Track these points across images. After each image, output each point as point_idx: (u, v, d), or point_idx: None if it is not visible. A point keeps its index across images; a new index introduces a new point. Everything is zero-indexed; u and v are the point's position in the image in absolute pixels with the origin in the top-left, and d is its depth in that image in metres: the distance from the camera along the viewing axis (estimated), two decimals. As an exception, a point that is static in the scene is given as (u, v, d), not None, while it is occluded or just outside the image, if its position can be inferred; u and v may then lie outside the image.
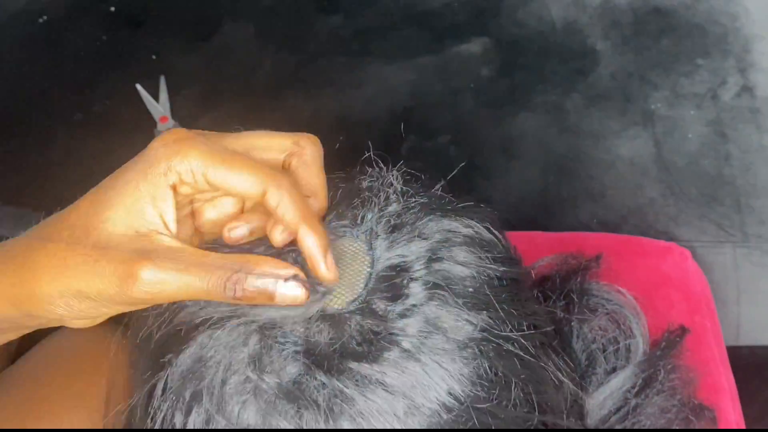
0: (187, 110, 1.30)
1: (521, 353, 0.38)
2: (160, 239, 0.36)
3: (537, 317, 0.41)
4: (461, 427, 0.36)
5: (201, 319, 0.37)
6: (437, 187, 0.44)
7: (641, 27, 1.31)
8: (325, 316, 0.36)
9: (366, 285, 0.38)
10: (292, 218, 0.36)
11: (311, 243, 0.36)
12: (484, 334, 0.37)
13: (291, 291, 0.35)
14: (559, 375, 0.41)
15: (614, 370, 0.52)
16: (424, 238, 0.39)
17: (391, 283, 0.37)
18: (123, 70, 1.37)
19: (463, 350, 0.36)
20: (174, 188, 0.37)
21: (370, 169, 0.45)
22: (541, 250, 0.83)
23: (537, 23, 1.34)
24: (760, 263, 1.06)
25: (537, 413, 0.39)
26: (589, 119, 1.20)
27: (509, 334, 0.38)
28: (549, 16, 1.35)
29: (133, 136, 1.27)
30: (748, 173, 1.12)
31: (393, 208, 0.41)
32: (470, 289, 0.38)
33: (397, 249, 0.38)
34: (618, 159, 1.15)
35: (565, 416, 0.43)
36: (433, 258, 0.38)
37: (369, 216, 0.40)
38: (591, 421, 0.49)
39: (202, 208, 0.40)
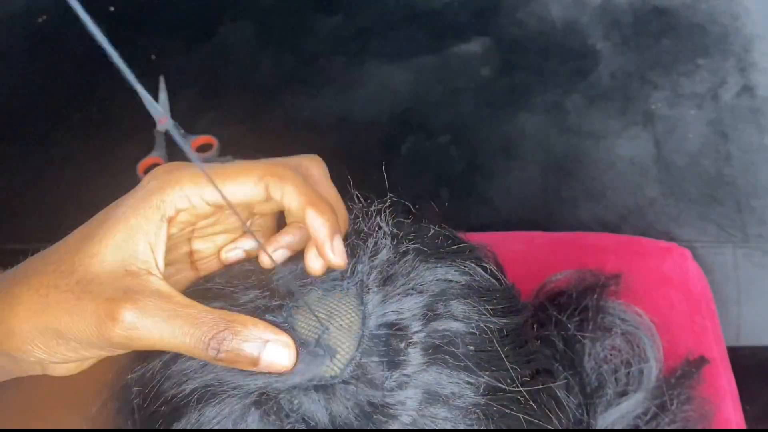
0: (186, 110, 1.30)
1: (527, 409, 0.36)
2: (149, 280, 0.34)
3: (538, 359, 0.39)
4: None
5: (188, 390, 0.35)
6: (430, 228, 0.41)
7: (641, 27, 1.31)
8: (318, 387, 0.34)
9: (359, 346, 0.34)
10: (299, 204, 0.34)
11: (318, 225, 0.34)
12: (488, 397, 0.35)
13: (276, 357, 0.33)
14: (559, 415, 0.39)
15: (625, 393, 0.50)
16: (420, 292, 0.36)
17: (387, 346, 0.34)
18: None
19: (467, 417, 0.34)
20: (169, 221, 0.35)
21: (353, 206, 0.41)
22: (541, 250, 0.83)
23: (537, 23, 1.34)
24: (760, 263, 1.06)
25: None
26: (589, 119, 1.20)
27: (514, 394, 0.35)
28: (549, 16, 1.35)
29: (132, 136, 1.27)
30: (748, 173, 1.12)
31: (383, 255, 0.37)
32: (471, 348, 0.35)
33: (391, 304, 0.36)
34: (618, 159, 1.15)
35: None
36: (431, 317, 0.35)
37: (359, 267, 0.37)
38: None
39: (199, 244, 0.39)
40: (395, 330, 0.35)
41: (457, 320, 0.36)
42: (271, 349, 0.33)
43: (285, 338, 0.33)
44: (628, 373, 0.51)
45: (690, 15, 1.31)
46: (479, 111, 1.24)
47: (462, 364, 0.34)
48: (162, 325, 0.33)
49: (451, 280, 0.37)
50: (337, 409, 0.33)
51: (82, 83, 1.36)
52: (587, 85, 1.24)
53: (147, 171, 1.31)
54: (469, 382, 0.34)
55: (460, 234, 0.43)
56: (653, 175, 1.13)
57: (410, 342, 0.34)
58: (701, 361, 0.55)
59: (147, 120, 1.28)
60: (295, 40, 1.38)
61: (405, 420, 0.33)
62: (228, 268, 0.39)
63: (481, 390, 0.34)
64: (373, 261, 0.37)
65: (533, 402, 0.37)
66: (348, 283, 0.36)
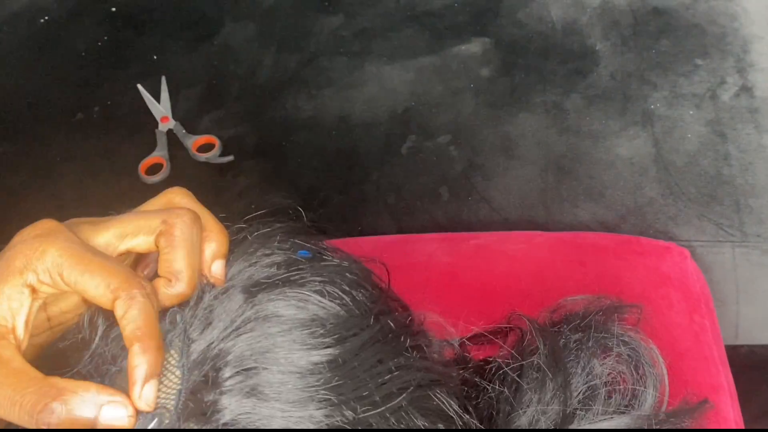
0: (188, 110, 1.30)
1: None
2: (0, 347, 0.34)
3: (396, 379, 0.38)
4: None
5: None
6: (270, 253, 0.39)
7: (641, 27, 1.31)
8: None
9: (177, 406, 0.34)
10: (129, 335, 0.34)
11: (135, 365, 0.34)
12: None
13: (113, 417, 0.33)
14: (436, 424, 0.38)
15: (614, 413, 0.49)
16: (238, 335, 0.35)
17: (200, 400, 0.34)
18: (124, 71, 1.37)
19: None
20: (32, 288, 0.35)
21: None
22: (540, 249, 0.84)
23: (537, 23, 1.34)
24: (758, 263, 1.06)
25: None
26: (589, 119, 1.21)
27: (343, 423, 0.35)
28: (549, 16, 1.35)
29: (134, 136, 1.27)
30: (746, 173, 1.12)
31: (206, 300, 0.37)
32: (289, 386, 0.34)
33: (209, 351, 0.35)
34: (617, 159, 1.16)
35: None
36: (243, 362, 0.35)
37: (179, 317, 0.36)
38: None
39: (54, 300, 0.39)
40: (209, 383, 0.34)
41: (273, 364, 0.35)
42: (107, 411, 0.33)
43: (119, 398, 0.33)
44: (624, 396, 0.50)
45: (689, 16, 1.31)
46: (479, 111, 1.24)
47: (278, 406, 0.34)
48: None
49: (274, 316, 0.36)
50: None
51: (84, 83, 1.37)
52: (587, 86, 1.25)
53: (149, 171, 1.31)
54: (300, 417, 0.34)
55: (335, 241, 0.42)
56: (652, 174, 1.13)
57: (223, 390, 0.34)
58: (702, 404, 0.54)
59: (149, 120, 1.29)
60: (296, 40, 1.38)
61: None
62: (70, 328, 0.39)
63: (311, 426, 0.34)
64: (196, 307, 0.37)
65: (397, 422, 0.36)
66: (171, 335, 0.36)
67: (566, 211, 1.12)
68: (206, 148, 1.24)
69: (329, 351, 0.36)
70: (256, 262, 0.39)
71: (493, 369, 0.51)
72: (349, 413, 0.35)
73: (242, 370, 0.35)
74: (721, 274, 1.05)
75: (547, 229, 0.91)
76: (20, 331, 0.35)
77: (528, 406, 0.47)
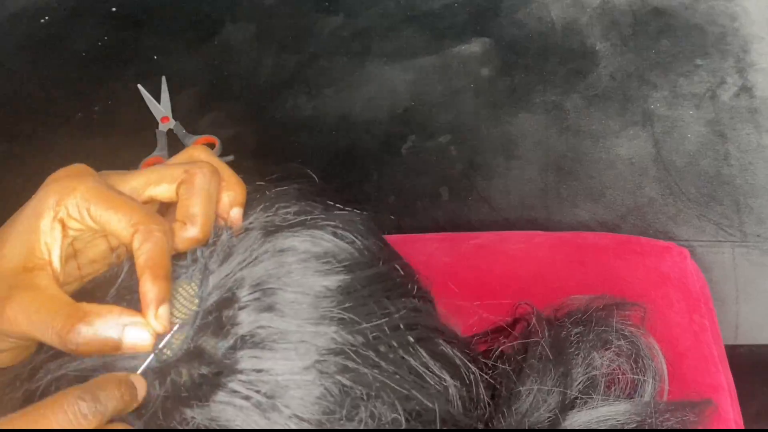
0: (188, 110, 1.30)
1: (375, 360, 0.37)
2: (38, 276, 0.37)
3: (404, 315, 0.40)
4: None
5: (44, 383, 0.37)
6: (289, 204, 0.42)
7: (640, 27, 1.31)
8: (154, 370, 0.36)
9: (193, 324, 0.37)
10: (141, 264, 0.36)
11: (145, 291, 0.36)
12: (323, 351, 0.36)
13: (136, 338, 0.35)
14: (437, 371, 0.40)
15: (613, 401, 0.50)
16: (255, 264, 0.38)
17: (219, 316, 0.37)
18: (124, 71, 1.37)
19: (304, 374, 0.36)
20: (62, 223, 0.38)
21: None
22: (540, 249, 0.84)
23: (537, 23, 1.34)
24: (758, 262, 1.06)
25: (410, 420, 0.38)
26: (589, 119, 1.21)
27: (353, 344, 0.37)
28: (549, 16, 1.35)
29: (134, 136, 1.27)
30: (746, 173, 1.12)
31: (224, 237, 0.40)
32: (303, 305, 0.37)
33: (227, 280, 0.38)
34: (617, 159, 1.16)
35: (472, 412, 0.42)
36: (261, 283, 0.37)
37: (198, 253, 0.39)
38: None
39: (82, 248, 0.41)
40: (227, 302, 0.37)
41: (287, 285, 0.37)
42: (130, 332, 0.35)
43: (140, 319, 0.36)
44: (624, 387, 0.51)
45: (689, 16, 1.31)
46: (479, 111, 1.25)
47: (293, 322, 0.36)
48: (32, 318, 0.35)
49: (288, 249, 0.39)
50: (169, 386, 0.35)
51: (84, 83, 1.37)
52: (586, 86, 1.25)
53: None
54: (301, 341, 0.36)
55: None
56: (652, 174, 1.13)
57: (240, 307, 0.37)
58: (706, 403, 0.54)
59: (149, 120, 1.29)
60: (296, 40, 1.38)
61: (234, 386, 0.35)
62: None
63: (316, 347, 0.36)
64: (214, 244, 0.39)
65: (397, 358, 0.38)
66: (193, 269, 0.39)
67: (566, 211, 1.12)
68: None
69: (341, 277, 0.38)
70: (273, 212, 0.41)
71: (497, 354, 0.52)
72: (359, 337, 0.37)
73: (260, 289, 0.37)
74: (721, 274, 1.05)
75: (547, 229, 0.91)
76: (56, 263, 0.38)
77: (529, 392, 0.48)
